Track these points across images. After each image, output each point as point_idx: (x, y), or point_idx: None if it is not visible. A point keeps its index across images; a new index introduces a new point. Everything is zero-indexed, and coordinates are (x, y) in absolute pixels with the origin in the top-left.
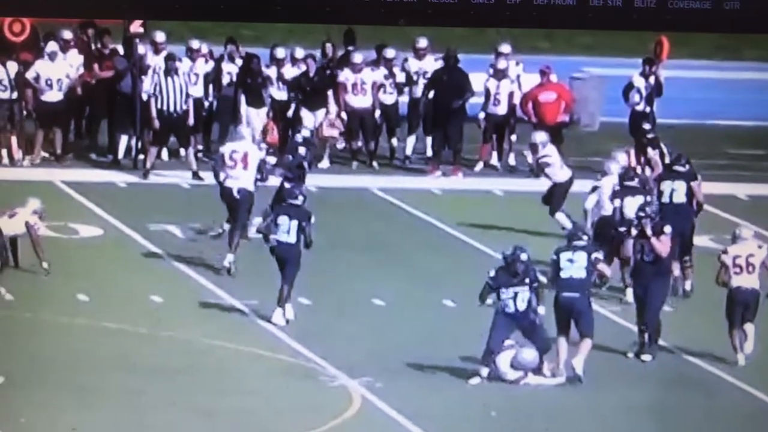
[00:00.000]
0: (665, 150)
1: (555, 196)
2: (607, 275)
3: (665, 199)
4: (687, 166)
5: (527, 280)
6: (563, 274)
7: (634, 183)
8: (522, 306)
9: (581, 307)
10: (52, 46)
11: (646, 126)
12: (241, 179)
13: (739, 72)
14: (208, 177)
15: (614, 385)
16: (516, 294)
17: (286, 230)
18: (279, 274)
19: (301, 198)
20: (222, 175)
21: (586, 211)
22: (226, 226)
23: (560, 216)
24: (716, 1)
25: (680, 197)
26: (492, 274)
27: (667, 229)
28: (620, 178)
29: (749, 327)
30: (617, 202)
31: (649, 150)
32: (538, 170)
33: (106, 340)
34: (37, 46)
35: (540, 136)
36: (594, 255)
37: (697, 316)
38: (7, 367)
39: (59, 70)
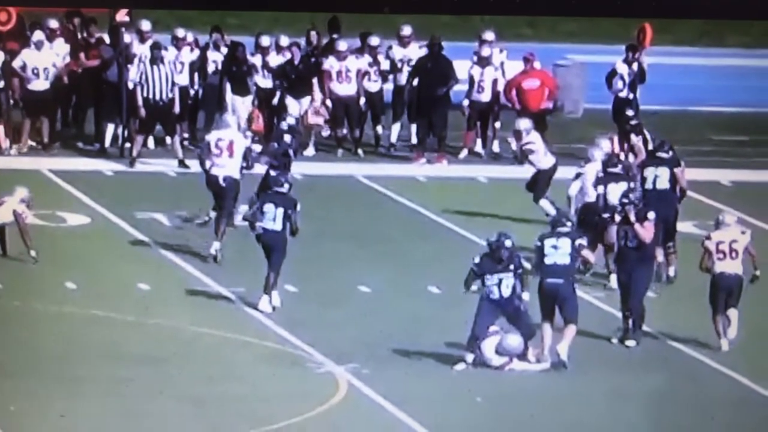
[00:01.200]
0: (648, 136)
1: (539, 183)
2: (591, 262)
3: (649, 185)
4: (670, 153)
5: (512, 267)
6: (547, 261)
7: (618, 169)
8: (507, 292)
9: (565, 293)
10: (38, 35)
11: (629, 112)
12: (227, 167)
13: (722, 58)
14: (194, 165)
15: (599, 371)
16: (501, 280)
17: (272, 218)
18: (265, 262)
19: (286, 186)
20: (208, 163)
21: (570, 197)
22: (212, 214)
23: (544, 203)
24: None
25: (664, 183)
26: (477, 260)
27: (651, 215)
28: (604, 165)
29: (732, 312)
30: (601, 188)
31: (632, 136)
32: (522, 157)
33: (94, 328)
34: (24, 35)
35: (524, 123)
36: (578, 241)
37: (681, 301)
38: None
39: (45, 59)
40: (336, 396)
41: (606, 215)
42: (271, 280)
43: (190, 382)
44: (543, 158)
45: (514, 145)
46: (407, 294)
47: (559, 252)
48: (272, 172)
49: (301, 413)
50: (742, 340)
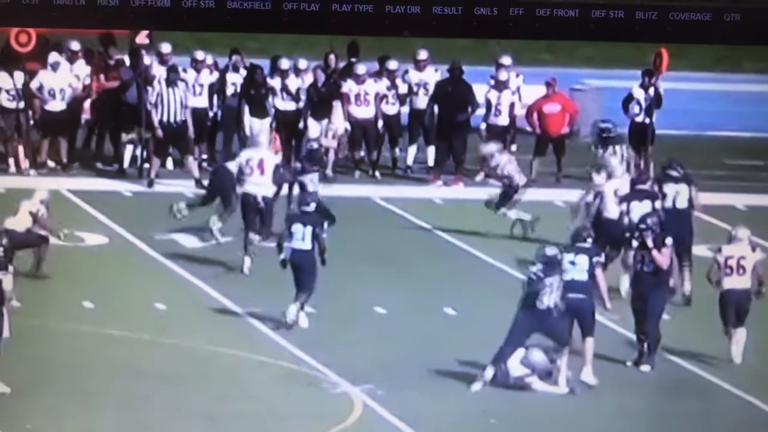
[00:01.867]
0: (623, 153)
1: (508, 198)
2: (602, 294)
3: (668, 203)
4: (681, 171)
5: (560, 279)
6: (566, 277)
7: (647, 186)
8: (551, 302)
9: (587, 308)
10: (54, 56)
11: (604, 125)
12: (262, 186)
13: (738, 84)
14: None
15: (613, 393)
16: (552, 290)
17: (301, 237)
18: (285, 281)
19: (312, 204)
20: (241, 182)
21: (578, 208)
22: (217, 233)
23: (511, 213)
24: (717, 14)
25: (683, 202)
26: (534, 270)
27: (668, 241)
28: (633, 182)
29: (741, 332)
30: (624, 205)
31: (599, 148)
32: (506, 180)
33: (111, 347)
34: (45, 57)
35: (488, 148)
36: (595, 259)
37: (694, 323)
38: (13, 373)
39: (62, 80)
40: (351, 416)
41: (627, 234)
42: (302, 299)
43: (206, 400)
44: (518, 175)
45: (481, 176)
46: (423, 315)
47: (576, 268)
48: (298, 193)
49: None
50: (754, 361)
